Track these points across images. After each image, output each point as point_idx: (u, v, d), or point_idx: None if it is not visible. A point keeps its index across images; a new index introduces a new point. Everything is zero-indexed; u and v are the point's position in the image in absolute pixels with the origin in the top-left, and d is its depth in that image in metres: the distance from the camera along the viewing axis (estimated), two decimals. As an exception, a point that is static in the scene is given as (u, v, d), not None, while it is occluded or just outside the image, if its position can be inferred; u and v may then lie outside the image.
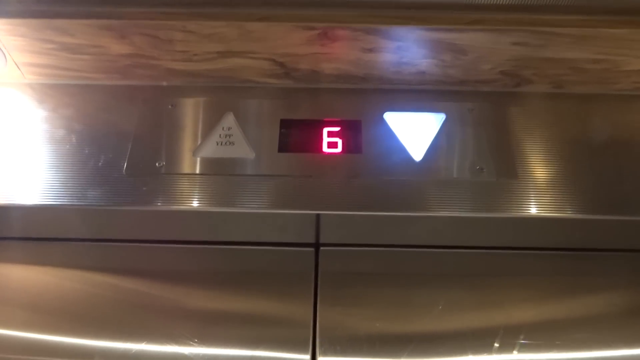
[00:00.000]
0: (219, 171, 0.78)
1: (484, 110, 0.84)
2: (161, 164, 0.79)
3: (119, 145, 0.80)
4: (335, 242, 0.81)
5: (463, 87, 0.86)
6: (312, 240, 0.81)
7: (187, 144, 0.81)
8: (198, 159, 0.80)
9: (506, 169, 0.78)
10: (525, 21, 0.79)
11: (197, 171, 0.78)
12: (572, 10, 0.80)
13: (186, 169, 0.79)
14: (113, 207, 0.76)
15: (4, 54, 0.83)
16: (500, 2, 0.79)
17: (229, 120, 0.83)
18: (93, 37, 0.81)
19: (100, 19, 0.79)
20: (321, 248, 0.81)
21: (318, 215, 0.75)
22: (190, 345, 0.73)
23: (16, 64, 0.85)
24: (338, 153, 0.79)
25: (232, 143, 0.81)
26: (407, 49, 0.81)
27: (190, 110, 0.84)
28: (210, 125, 0.82)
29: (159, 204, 0.76)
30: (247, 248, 0.82)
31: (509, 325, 0.74)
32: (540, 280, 0.79)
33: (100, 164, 0.79)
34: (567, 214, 0.75)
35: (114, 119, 0.83)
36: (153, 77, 0.86)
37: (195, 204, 0.76)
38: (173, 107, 0.84)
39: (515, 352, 0.71)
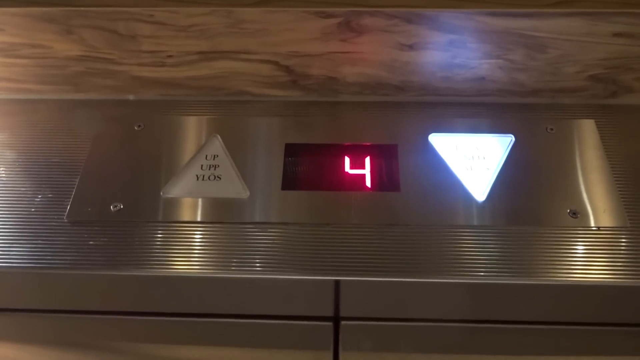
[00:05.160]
0: (198, 218, 0.67)
1: (568, 130, 0.74)
2: (117, 207, 0.67)
3: (62, 180, 0.70)
4: (360, 315, 0.71)
5: (538, 98, 0.77)
6: (329, 313, 0.70)
7: (156, 178, 0.70)
8: (169, 200, 0.68)
9: (610, 212, 0.67)
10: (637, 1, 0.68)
11: (167, 217, 0.67)
12: None
13: (152, 214, 0.67)
14: (44, 269, 0.64)
15: None
16: (597, -24, 0.70)
17: (215, 146, 0.73)
18: (30, 32, 0.72)
19: (37, 6, 0.70)
20: (342, 322, 0.71)
21: (337, 281, 0.65)
22: None
23: None
24: (366, 191, 0.70)
25: (218, 177, 0.70)
26: (463, 44, 0.71)
27: (163, 133, 0.75)
28: (189, 152, 0.72)
29: (108, 266, 0.64)
30: (245, 322, 0.71)
31: None
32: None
33: (33, 207, 0.68)
34: None
35: (59, 145, 0.74)
36: (115, 88, 0.78)
37: (161, 267, 0.64)
38: (140, 128, 0.75)
39: None
